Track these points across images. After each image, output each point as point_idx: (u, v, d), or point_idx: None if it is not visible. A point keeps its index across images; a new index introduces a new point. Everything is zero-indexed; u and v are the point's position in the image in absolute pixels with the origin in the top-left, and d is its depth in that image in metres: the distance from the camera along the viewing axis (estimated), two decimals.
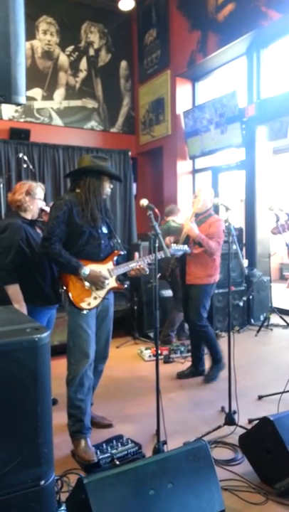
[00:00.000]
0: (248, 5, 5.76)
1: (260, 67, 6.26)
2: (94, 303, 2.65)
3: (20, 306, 2.75)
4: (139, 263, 2.78)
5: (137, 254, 2.90)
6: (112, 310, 2.90)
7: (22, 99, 1.44)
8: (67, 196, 2.72)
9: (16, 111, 7.31)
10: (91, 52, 8.20)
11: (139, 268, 2.77)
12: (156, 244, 2.49)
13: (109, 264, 2.75)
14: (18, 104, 1.48)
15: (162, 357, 4.33)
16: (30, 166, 5.82)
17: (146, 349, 4.60)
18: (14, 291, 2.78)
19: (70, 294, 2.59)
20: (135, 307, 5.15)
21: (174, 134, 7.64)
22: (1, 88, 1.37)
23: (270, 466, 2.25)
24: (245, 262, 5.98)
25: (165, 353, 4.43)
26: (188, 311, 3.79)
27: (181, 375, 3.86)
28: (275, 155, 6.89)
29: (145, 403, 3.26)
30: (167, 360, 4.33)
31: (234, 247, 2.74)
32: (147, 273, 2.80)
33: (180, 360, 4.36)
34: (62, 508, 1.94)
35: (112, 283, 2.75)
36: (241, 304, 5.54)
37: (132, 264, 2.78)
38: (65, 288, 2.62)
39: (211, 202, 3.72)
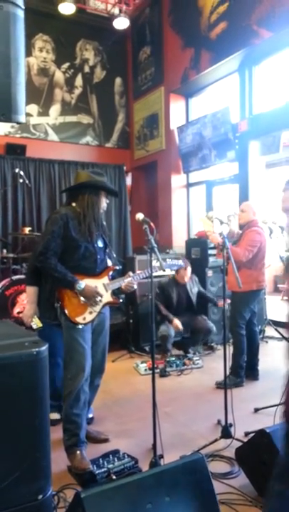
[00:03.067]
0: (239, 24, 5.91)
1: (252, 84, 6.39)
2: (89, 317, 2.66)
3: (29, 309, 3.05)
4: (133, 278, 2.82)
5: (130, 273, 2.92)
6: (107, 324, 2.92)
7: (22, 118, 1.49)
8: (64, 210, 2.76)
9: (12, 126, 7.39)
10: (86, 69, 8.34)
11: (128, 284, 2.80)
12: (153, 258, 2.52)
13: (105, 279, 2.78)
14: (18, 123, 1.52)
15: (158, 370, 4.31)
16: (27, 181, 5.86)
17: (142, 363, 4.59)
18: (28, 292, 3.11)
19: (65, 309, 2.61)
20: (131, 321, 5.15)
21: (168, 149, 7.75)
22: (1, 107, 1.41)
23: (266, 478, 2.24)
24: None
25: (161, 366, 4.43)
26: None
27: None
28: (268, 169, 6.99)
29: (141, 417, 3.25)
30: (163, 373, 4.33)
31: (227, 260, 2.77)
32: (134, 289, 2.84)
33: (176, 373, 4.36)
34: None
35: (107, 297, 2.77)
36: None
37: (128, 279, 2.81)
38: (60, 303, 2.63)
39: (254, 215, 3.99)
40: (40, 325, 3.00)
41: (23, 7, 1.41)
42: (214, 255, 5.25)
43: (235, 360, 3.96)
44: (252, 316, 4.10)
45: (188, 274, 4.75)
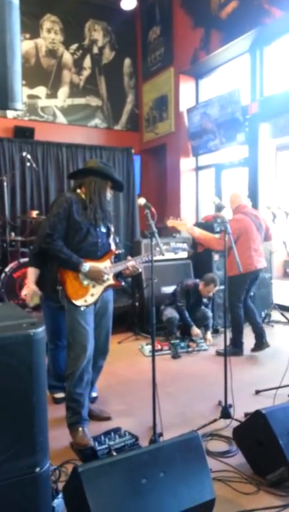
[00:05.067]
0: (250, 2, 5.77)
1: (263, 65, 6.28)
2: (91, 300, 2.72)
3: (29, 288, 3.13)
4: (135, 262, 2.86)
5: (129, 257, 2.95)
6: (111, 307, 2.97)
7: (18, 105, 1.52)
8: (68, 194, 2.83)
9: (21, 109, 7.38)
10: (95, 50, 8.25)
11: (132, 267, 2.84)
12: (153, 243, 2.55)
13: (107, 263, 2.82)
14: (15, 110, 1.55)
15: (171, 352, 4.47)
16: (34, 165, 5.88)
17: (146, 344, 4.67)
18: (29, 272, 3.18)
19: (67, 292, 2.67)
20: (136, 303, 5.22)
21: (177, 132, 7.68)
22: None
23: (262, 457, 2.32)
24: None
25: (165, 348, 4.50)
26: None
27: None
28: (280, 152, 6.90)
29: (144, 397, 3.31)
30: (175, 355, 4.42)
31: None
32: (140, 271, 2.88)
33: (190, 353, 4.53)
34: (59, 496, 2.02)
35: (109, 280, 2.82)
36: None
37: (130, 263, 2.85)
38: (62, 286, 2.69)
39: (233, 204, 4.41)
40: (37, 301, 3.17)
41: None
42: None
43: (233, 334, 4.46)
44: (247, 294, 4.50)
45: (213, 292, 4.88)
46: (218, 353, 4.45)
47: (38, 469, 1.52)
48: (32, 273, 3.15)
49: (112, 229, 2.95)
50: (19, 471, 1.49)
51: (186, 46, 7.19)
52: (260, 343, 4.42)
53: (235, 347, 4.41)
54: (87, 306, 2.70)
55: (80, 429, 2.65)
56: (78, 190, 2.82)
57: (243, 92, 6.29)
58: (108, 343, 3.01)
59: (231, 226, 3.84)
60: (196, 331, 4.77)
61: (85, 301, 2.70)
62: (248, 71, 6.41)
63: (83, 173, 2.88)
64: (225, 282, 2.98)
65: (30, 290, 3.12)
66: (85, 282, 2.71)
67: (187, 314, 4.82)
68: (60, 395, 3.26)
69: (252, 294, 5.60)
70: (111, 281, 2.82)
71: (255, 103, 6.21)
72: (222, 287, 5.17)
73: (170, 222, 3.67)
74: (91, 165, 2.88)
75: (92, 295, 2.73)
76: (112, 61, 8.46)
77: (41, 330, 1.50)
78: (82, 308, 2.67)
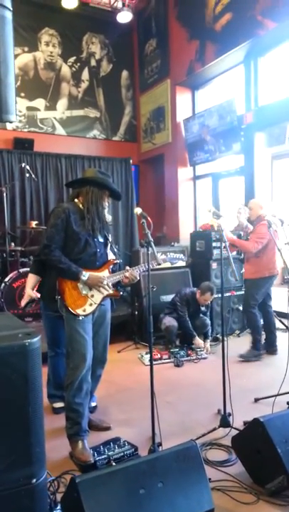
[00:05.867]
0: (244, 14, 5.86)
1: (257, 75, 6.35)
2: (89, 309, 2.73)
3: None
4: (133, 271, 2.87)
5: (127, 267, 2.97)
6: (108, 316, 2.98)
7: (12, 118, 1.54)
8: (66, 204, 2.83)
9: (20, 121, 7.47)
10: (92, 62, 8.36)
11: (130, 276, 2.86)
12: (149, 252, 2.57)
13: (105, 272, 2.83)
14: (9, 122, 1.58)
15: (174, 361, 4.47)
16: (33, 176, 5.94)
17: (146, 353, 4.67)
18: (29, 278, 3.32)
19: (66, 302, 2.67)
20: (136, 312, 5.22)
21: (174, 142, 7.75)
22: None
23: (261, 466, 2.31)
24: None
25: (164, 357, 4.49)
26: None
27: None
28: (275, 161, 6.95)
29: (143, 406, 3.30)
30: (178, 364, 4.42)
31: (225, 253, 2.81)
32: (137, 279, 2.90)
33: (190, 362, 4.53)
34: (58, 507, 2.01)
35: (108, 290, 2.82)
36: (241, 308, 5.58)
37: (127, 273, 2.87)
38: (61, 295, 2.70)
39: (261, 209, 4.52)
40: (28, 301, 3.33)
41: (11, 9, 1.45)
42: (218, 248, 5.28)
43: (253, 336, 4.58)
44: (266, 299, 4.65)
45: (209, 300, 4.91)
46: (241, 357, 4.51)
47: (34, 480, 1.52)
48: (31, 278, 3.25)
49: (110, 238, 2.97)
50: (15, 483, 1.48)
51: (182, 58, 7.29)
52: (273, 349, 4.64)
53: (255, 349, 4.53)
54: (85, 316, 2.71)
55: (80, 442, 2.63)
56: (76, 200, 2.84)
57: (238, 103, 6.36)
58: (106, 352, 3.01)
59: (260, 231, 4.29)
60: (198, 341, 4.77)
61: (84, 310, 2.71)
62: (243, 82, 6.49)
63: (81, 182, 2.89)
64: (222, 290, 2.98)
65: (26, 294, 3.25)
66: (84, 292, 2.72)
67: (190, 324, 4.82)
68: (60, 404, 3.27)
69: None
70: (110, 291, 2.83)
71: (251, 113, 6.27)
72: (220, 295, 5.18)
73: (212, 221, 3.85)
74: (88, 175, 2.89)
75: (91, 304, 2.74)
76: (110, 73, 8.57)
77: (37, 340, 1.51)
78: (80, 318, 2.68)
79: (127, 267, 2.92)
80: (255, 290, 4.50)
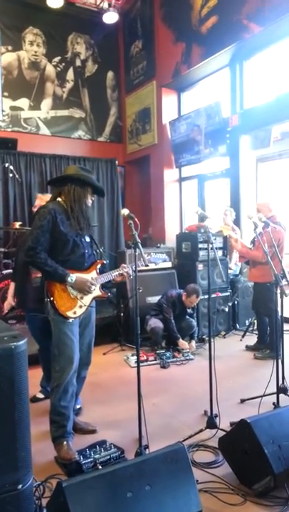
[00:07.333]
0: (230, 18, 5.91)
1: (243, 78, 6.41)
2: (79, 311, 2.69)
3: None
4: (122, 271, 2.85)
5: (124, 264, 2.97)
6: (94, 317, 2.95)
7: None
8: (51, 205, 2.73)
9: (3, 121, 7.37)
10: (78, 62, 8.32)
11: (123, 273, 2.84)
12: (136, 253, 2.55)
13: (93, 273, 2.80)
14: None
15: (159, 362, 4.45)
16: (16, 176, 5.86)
17: (132, 355, 4.65)
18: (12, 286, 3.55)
19: (56, 304, 2.63)
20: (122, 314, 5.20)
21: (160, 143, 7.76)
22: None
23: (248, 467, 2.31)
24: (237, 269, 6.07)
25: (150, 359, 4.48)
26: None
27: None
28: (260, 163, 7.02)
29: (129, 408, 3.28)
30: (164, 365, 4.40)
31: (212, 254, 2.81)
32: (131, 277, 2.86)
33: (176, 363, 4.49)
34: None
35: (96, 291, 2.80)
36: (227, 309, 5.61)
37: (115, 273, 2.84)
38: (51, 298, 2.65)
39: (270, 211, 4.40)
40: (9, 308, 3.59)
41: None
42: (205, 249, 5.29)
43: (270, 337, 4.62)
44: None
45: (195, 303, 4.90)
46: (256, 358, 4.59)
47: (20, 486, 1.48)
48: (11, 286, 3.47)
49: (95, 238, 2.94)
50: (1, 489, 1.45)
51: (168, 60, 7.31)
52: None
53: (272, 351, 4.36)
54: (76, 318, 2.67)
55: (65, 443, 2.60)
56: (60, 199, 2.79)
57: (223, 105, 6.40)
58: (91, 354, 2.98)
59: (267, 236, 4.06)
60: (182, 343, 4.77)
61: (74, 312, 2.67)
62: (229, 84, 6.54)
63: (62, 180, 2.82)
64: (209, 291, 2.99)
65: (6, 302, 3.50)
66: (73, 294, 2.68)
67: (174, 326, 4.82)
68: (40, 395, 3.52)
69: (230, 304, 5.68)
70: (98, 293, 2.80)
71: (236, 116, 6.33)
72: (206, 296, 5.20)
73: (224, 228, 3.82)
74: (70, 172, 2.82)
75: (81, 306, 2.70)
76: (95, 74, 8.53)
77: (23, 343, 1.48)
78: (70, 320, 2.64)
79: (123, 264, 2.92)
80: (268, 294, 4.02)
